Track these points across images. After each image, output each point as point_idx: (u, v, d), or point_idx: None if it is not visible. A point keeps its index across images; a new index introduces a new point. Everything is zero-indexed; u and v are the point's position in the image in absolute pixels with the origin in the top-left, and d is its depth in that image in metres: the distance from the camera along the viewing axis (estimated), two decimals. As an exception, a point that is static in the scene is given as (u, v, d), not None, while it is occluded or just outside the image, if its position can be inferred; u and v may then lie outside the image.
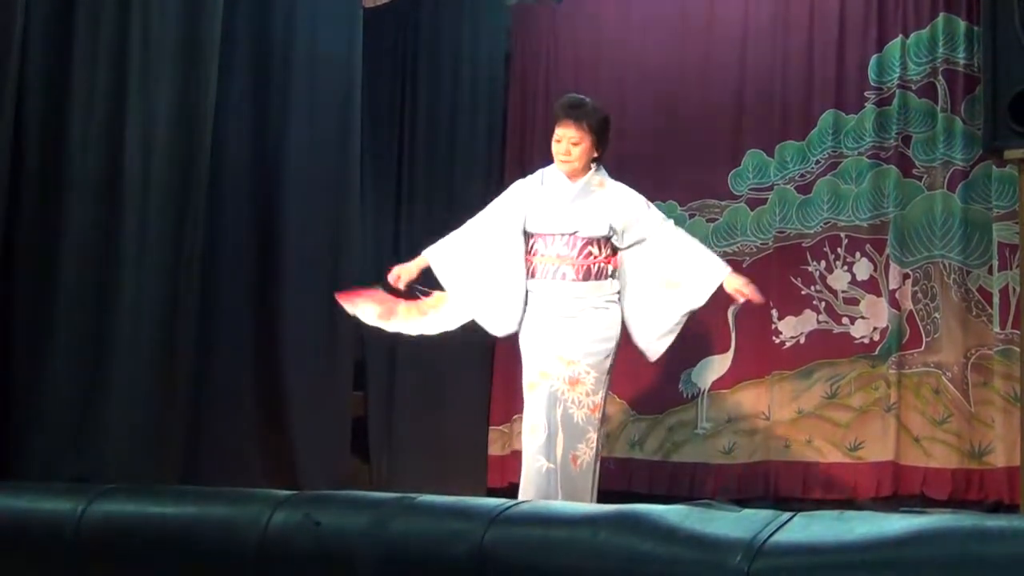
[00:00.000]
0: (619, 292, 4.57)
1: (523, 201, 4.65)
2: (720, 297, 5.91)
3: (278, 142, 5.37)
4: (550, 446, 4.42)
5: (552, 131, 4.66)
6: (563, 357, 4.47)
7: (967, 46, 5.51)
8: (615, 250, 4.60)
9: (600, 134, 4.62)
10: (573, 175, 4.61)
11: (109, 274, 4.34)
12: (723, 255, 5.97)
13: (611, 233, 4.55)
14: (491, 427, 6.35)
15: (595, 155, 4.63)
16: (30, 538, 3.10)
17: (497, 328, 4.65)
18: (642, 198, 4.69)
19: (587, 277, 4.53)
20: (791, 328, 5.77)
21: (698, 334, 5.99)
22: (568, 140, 4.57)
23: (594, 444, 4.46)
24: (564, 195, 4.60)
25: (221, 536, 2.79)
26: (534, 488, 4.42)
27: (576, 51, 6.58)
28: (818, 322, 5.73)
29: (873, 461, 5.47)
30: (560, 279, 4.53)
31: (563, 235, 4.56)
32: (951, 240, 5.46)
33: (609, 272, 4.57)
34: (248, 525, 2.71)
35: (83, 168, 4.30)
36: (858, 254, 5.69)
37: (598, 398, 4.47)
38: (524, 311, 4.58)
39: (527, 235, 4.62)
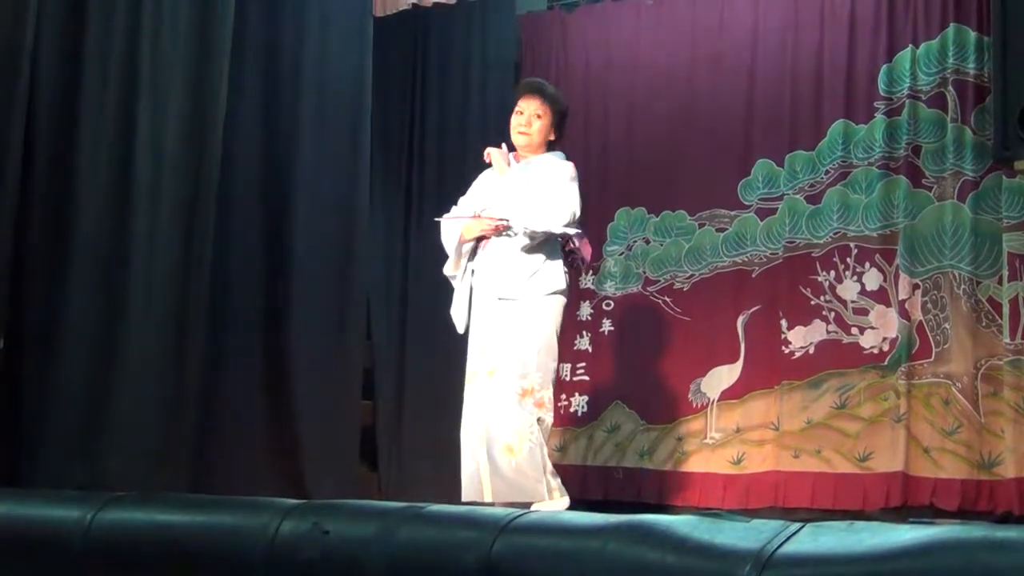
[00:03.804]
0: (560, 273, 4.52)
1: (482, 187, 4.69)
2: (730, 308, 5.96)
3: (288, 151, 5.37)
4: (479, 446, 4.38)
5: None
6: (483, 349, 4.45)
7: (977, 56, 5.52)
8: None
9: (560, 116, 4.62)
10: (528, 149, 4.60)
11: (118, 283, 4.35)
12: (732, 264, 6.02)
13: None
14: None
15: (551, 138, 4.63)
16: (39, 546, 3.10)
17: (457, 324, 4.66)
18: (563, 177, 4.56)
19: (529, 252, 4.49)
20: (800, 338, 5.77)
21: (708, 344, 6.00)
22: (530, 112, 4.57)
23: (534, 430, 4.36)
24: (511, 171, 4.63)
25: (229, 544, 2.78)
26: (466, 491, 4.38)
27: (586, 60, 6.60)
28: (827, 332, 5.73)
29: (882, 472, 5.46)
30: (498, 251, 4.52)
31: (495, 204, 4.57)
32: (961, 250, 5.45)
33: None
34: (256, 533, 2.71)
35: (93, 179, 4.30)
36: (868, 264, 5.69)
37: (526, 383, 4.38)
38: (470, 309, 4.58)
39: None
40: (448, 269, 4.66)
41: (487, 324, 4.48)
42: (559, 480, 4.45)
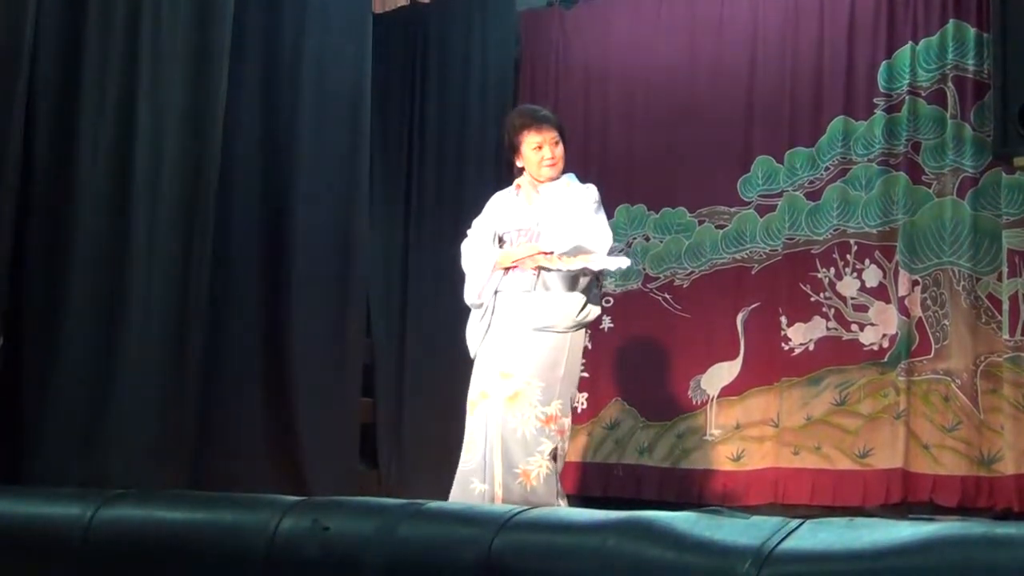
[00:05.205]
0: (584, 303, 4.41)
1: (504, 212, 4.59)
2: (730, 304, 5.96)
3: (288, 149, 5.37)
4: (486, 467, 4.30)
5: None
6: (504, 372, 4.34)
7: (977, 53, 5.52)
8: None
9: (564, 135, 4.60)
10: (554, 178, 4.55)
11: (119, 280, 4.35)
12: (732, 261, 6.02)
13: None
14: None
15: None
16: (39, 543, 3.11)
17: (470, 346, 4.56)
18: (591, 203, 4.47)
19: (575, 287, 4.40)
20: (800, 335, 5.77)
21: (707, 341, 6.01)
22: (550, 143, 4.51)
23: (553, 457, 4.28)
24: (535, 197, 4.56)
25: (229, 541, 2.79)
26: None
27: (585, 58, 6.59)
28: (827, 329, 5.73)
29: (882, 468, 5.47)
30: (520, 273, 4.43)
31: (521, 231, 4.50)
32: (960, 247, 5.45)
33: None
34: (256, 530, 2.72)
35: (93, 176, 4.30)
36: (867, 261, 5.69)
37: (550, 409, 4.29)
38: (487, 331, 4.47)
39: (500, 241, 4.55)
40: (472, 297, 4.50)
41: (515, 350, 4.35)
42: (566, 502, 4.44)
